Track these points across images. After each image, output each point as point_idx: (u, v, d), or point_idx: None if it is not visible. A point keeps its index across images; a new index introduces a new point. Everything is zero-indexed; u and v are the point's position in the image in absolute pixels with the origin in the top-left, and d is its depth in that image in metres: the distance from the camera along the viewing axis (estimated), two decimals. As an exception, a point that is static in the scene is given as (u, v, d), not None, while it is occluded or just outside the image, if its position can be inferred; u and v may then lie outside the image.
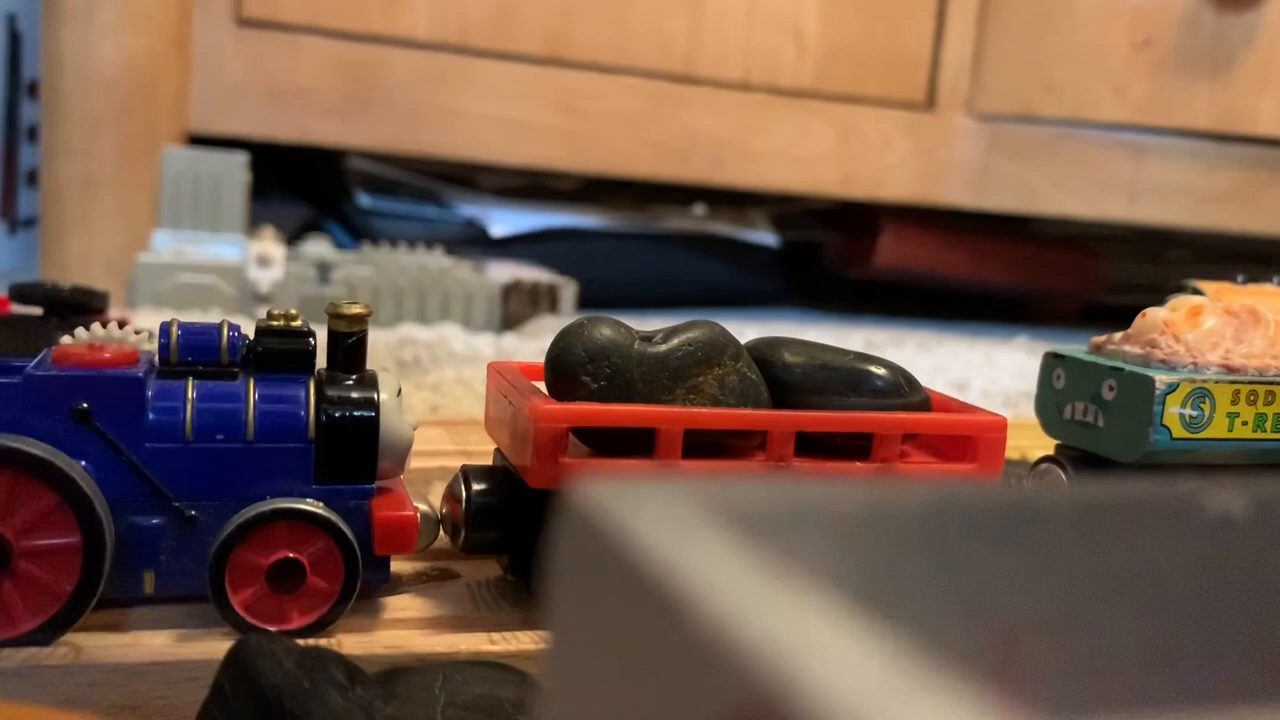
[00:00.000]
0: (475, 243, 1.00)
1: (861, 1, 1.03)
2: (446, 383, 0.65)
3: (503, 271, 0.91)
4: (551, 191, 1.09)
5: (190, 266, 0.79)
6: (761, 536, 0.11)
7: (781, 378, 0.34)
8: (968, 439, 0.34)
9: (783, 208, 1.16)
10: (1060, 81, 1.06)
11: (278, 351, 0.30)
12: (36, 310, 0.39)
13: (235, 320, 0.76)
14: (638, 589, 0.10)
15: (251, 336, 0.30)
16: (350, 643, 0.28)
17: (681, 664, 0.09)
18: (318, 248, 0.87)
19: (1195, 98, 1.06)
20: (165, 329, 0.30)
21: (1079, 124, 1.07)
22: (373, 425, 0.30)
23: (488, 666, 0.26)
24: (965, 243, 1.15)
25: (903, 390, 0.34)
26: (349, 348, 0.30)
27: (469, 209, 1.03)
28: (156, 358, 0.30)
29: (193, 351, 0.30)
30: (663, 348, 0.32)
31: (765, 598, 0.09)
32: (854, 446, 0.33)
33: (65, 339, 0.29)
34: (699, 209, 1.13)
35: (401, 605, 0.32)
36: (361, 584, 0.29)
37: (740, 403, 0.32)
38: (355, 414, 0.30)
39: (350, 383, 0.30)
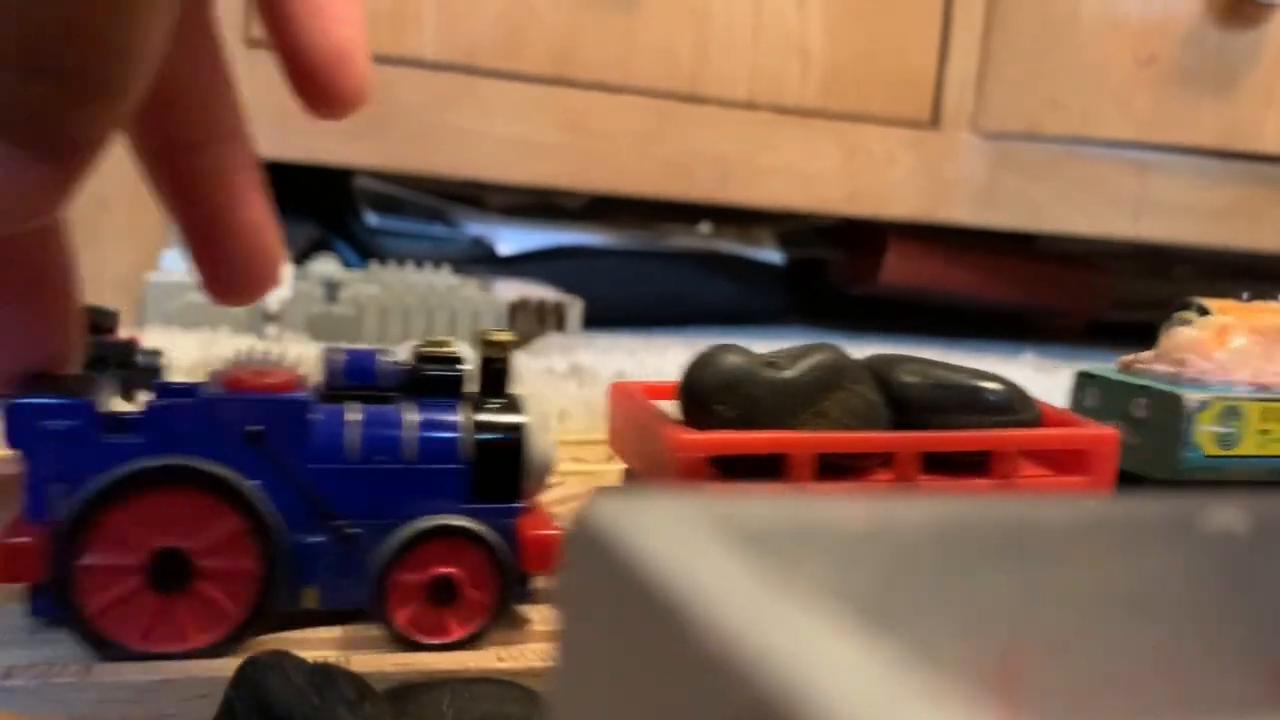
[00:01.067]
0: (482, 261, 1.00)
1: (866, 20, 1.03)
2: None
3: (510, 290, 0.91)
4: (558, 210, 1.09)
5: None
6: (768, 552, 0.11)
7: (899, 396, 0.35)
8: (1081, 453, 0.35)
9: (788, 225, 1.17)
10: (1065, 98, 1.06)
11: (434, 377, 0.31)
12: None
13: (245, 338, 0.76)
14: (645, 605, 0.10)
15: (402, 363, 0.32)
16: (359, 660, 0.29)
17: (687, 679, 0.10)
18: (326, 266, 0.87)
19: (1200, 114, 1.07)
20: (328, 355, 0.31)
21: (1084, 141, 1.07)
22: (522, 447, 0.31)
23: (496, 684, 0.27)
24: (970, 259, 1.15)
25: (1015, 406, 0.35)
26: (497, 372, 0.32)
27: (476, 227, 1.03)
28: (324, 383, 0.31)
29: (353, 376, 0.31)
30: (789, 373, 0.33)
31: (771, 613, 0.09)
32: (970, 462, 0.34)
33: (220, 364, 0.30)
34: (705, 227, 1.14)
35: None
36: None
37: (863, 425, 0.34)
38: (506, 436, 0.31)
39: (499, 406, 0.31)
